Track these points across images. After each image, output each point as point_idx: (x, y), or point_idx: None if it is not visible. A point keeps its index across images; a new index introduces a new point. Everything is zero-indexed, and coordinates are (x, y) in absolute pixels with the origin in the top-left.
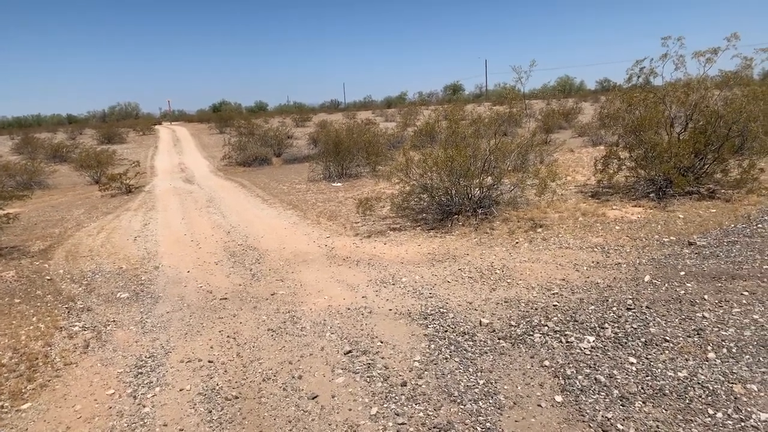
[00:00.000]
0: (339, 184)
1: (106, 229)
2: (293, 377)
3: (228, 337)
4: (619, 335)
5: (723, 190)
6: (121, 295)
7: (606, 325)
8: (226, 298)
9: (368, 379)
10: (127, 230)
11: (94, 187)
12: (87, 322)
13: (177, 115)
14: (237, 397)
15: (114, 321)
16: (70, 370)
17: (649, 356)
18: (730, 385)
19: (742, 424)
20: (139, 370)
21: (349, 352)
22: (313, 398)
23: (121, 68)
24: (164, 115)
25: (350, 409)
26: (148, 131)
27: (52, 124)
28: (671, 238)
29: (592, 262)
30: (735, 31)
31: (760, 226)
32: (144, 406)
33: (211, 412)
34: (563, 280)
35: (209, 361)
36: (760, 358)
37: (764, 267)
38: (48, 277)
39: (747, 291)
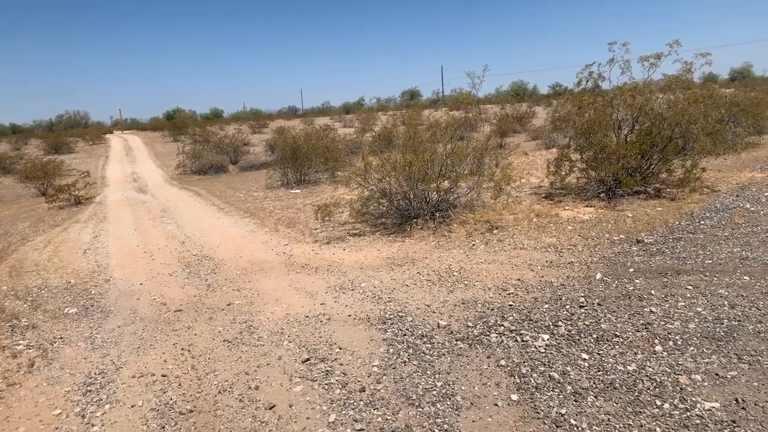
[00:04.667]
0: (297, 190)
1: (53, 243)
2: (250, 388)
3: (182, 349)
4: (572, 332)
5: (668, 189)
6: (70, 311)
7: (560, 323)
8: (180, 310)
9: (326, 386)
10: (77, 243)
11: (41, 199)
12: (32, 340)
13: (129, 124)
14: (192, 411)
15: (61, 338)
16: (14, 391)
17: (601, 352)
18: (676, 376)
19: (688, 413)
20: (88, 388)
21: (307, 360)
22: (270, 408)
23: (69, 75)
24: (115, 123)
25: (308, 418)
26: (99, 140)
27: None
28: (621, 236)
29: (546, 261)
30: (677, 37)
31: (702, 222)
32: (93, 425)
33: (164, 427)
34: (518, 280)
35: (163, 375)
36: (704, 350)
37: (707, 262)
38: None
39: (691, 285)
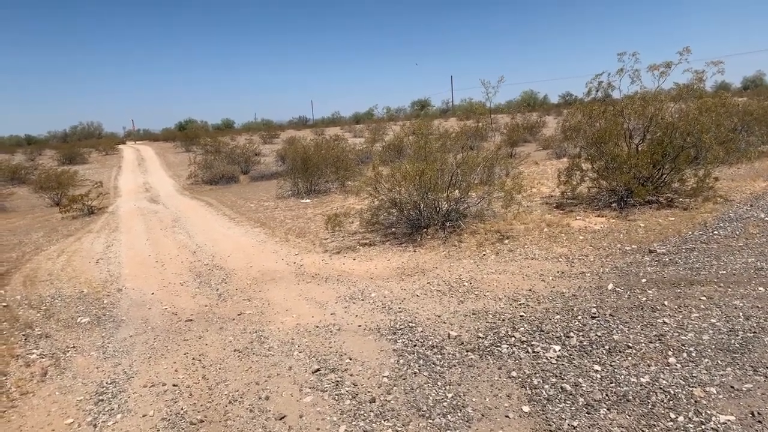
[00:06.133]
0: (308, 200)
1: (66, 252)
2: (260, 398)
3: (193, 359)
4: (584, 343)
5: (681, 199)
6: (82, 320)
7: (571, 333)
8: (191, 320)
9: (336, 397)
10: (89, 253)
11: (55, 209)
12: (45, 349)
13: (141, 134)
14: (202, 421)
15: (74, 347)
16: (27, 400)
17: (613, 363)
18: (691, 388)
19: (703, 426)
20: (100, 397)
21: (318, 370)
22: (281, 419)
23: (83, 87)
24: (128, 134)
25: (318, 429)
26: (112, 151)
27: (10, 145)
28: (633, 246)
29: (558, 272)
30: (686, 45)
31: (716, 232)
32: None
33: None
34: (529, 290)
35: (174, 385)
36: (718, 362)
37: (720, 272)
38: (4, 304)
39: (705, 296)
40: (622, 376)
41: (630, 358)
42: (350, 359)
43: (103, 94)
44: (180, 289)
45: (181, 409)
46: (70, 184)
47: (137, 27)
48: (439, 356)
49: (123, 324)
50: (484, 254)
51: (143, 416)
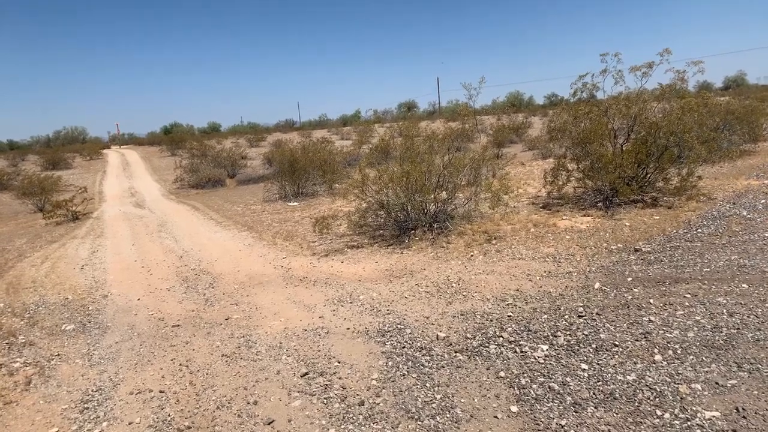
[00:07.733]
0: (295, 203)
1: (50, 259)
2: (248, 403)
3: (180, 365)
4: (571, 342)
5: (665, 198)
6: (67, 327)
7: (558, 333)
8: (178, 325)
9: (325, 400)
10: (74, 259)
11: (38, 215)
12: (29, 357)
13: (126, 139)
14: (190, 427)
15: (58, 355)
16: (10, 410)
17: (600, 362)
18: (676, 385)
19: (689, 423)
20: (86, 405)
21: (306, 374)
22: (269, 423)
23: (66, 91)
24: (113, 138)
25: None
26: (96, 156)
27: None
28: (618, 245)
29: (545, 271)
30: (672, 47)
31: (699, 230)
32: None
33: None
34: (517, 290)
35: (160, 392)
36: (703, 358)
37: (705, 270)
38: None
39: (689, 293)
40: (609, 375)
41: (617, 356)
42: (339, 362)
43: (87, 98)
44: (166, 294)
45: (168, 415)
46: (53, 189)
47: (122, 31)
48: (428, 358)
49: (109, 330)
50: (471, 255)
51: (129, 424)
